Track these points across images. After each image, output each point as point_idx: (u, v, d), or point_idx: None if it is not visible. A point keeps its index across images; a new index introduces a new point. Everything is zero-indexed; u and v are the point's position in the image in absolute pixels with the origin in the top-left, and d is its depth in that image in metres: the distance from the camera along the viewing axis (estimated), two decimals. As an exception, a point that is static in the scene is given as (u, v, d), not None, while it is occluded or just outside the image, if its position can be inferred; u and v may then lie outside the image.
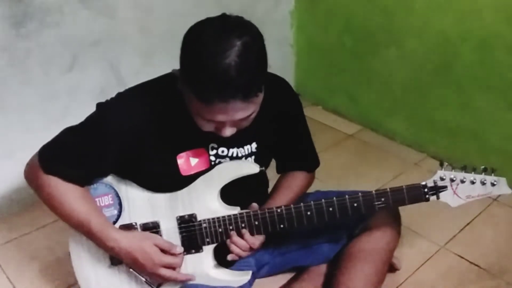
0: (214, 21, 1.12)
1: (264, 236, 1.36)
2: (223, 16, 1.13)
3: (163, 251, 1.29)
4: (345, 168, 2.22)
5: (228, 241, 1.33)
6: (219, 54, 1.06)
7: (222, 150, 1.33)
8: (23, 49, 1.80)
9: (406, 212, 1.55)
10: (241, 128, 1.20)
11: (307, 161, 1.54)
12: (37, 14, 1.79)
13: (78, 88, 1.98)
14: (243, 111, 1.13)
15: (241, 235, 1.33)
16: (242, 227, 1.32)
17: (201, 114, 1.15)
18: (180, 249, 1.32)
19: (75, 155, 1.26)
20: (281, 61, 2.63)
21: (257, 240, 1.34)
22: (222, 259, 1.37)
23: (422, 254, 1.75)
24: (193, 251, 1.35)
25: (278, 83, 1.40)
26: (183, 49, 1.13)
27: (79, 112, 1.31)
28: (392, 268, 1.61)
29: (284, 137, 1.44)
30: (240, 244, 1.32)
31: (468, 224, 1.88)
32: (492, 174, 1.30)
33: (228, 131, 1.18)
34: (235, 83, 1.07)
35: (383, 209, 1.34)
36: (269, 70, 1.18)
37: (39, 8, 1.79)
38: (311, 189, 1.58)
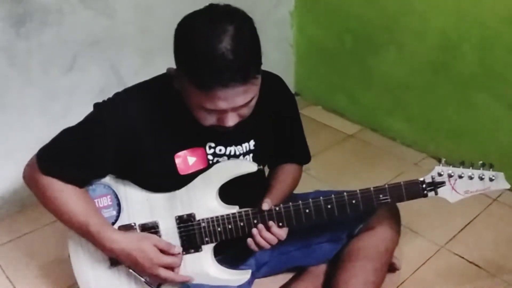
0: (203, 11, 1.13)
1: (287, 228, 1.34)
2: (211, 6, 1.14)
3: (162, 251, 1.29)
4: (345, 168, 2.22)
5: (254, 231, 1.30)
6: (213, 40, 1.07)
7: (220, 149, 1.33)
8: (23, 49, 1.81)
9: (406, 211, 1.55)
10: (242, 118, 1.20)
11: (299, 155, 1.55)
12: (37, 14, 1.79)
13: (78, 88, 1.99)
14: (244, 95, 1.13)
15: (267, 228, 1.31)
16: (242, 226, 1.32)
17: (203, 105, 1.14)
18: (178, 249, 1.31)
19: (73, 155, 1.26)
20: (281, 61, 2.63)
21: (284, 232, 1.33)
22: (221, 258, 1.37)
23: (422, 254, 1.75)
24: (192, 250, 1.34)
25: (274, 81, 1.41)
26: (177, 43, 1.14)
27: (79, 112, 1.31)
28: (392, 268, 1.60)
29: (279, 133, 1.44)
30: (269, 238, 1.31)
31: (468, 224, 1.88)
32: (490, 169, 1.29)
33: (231, 120, 1.17)
34: (233, 65, 1.07)
35: (381, 206, 1.33)
36: (269, 69, 1.18)
37: (39, 8, 1.79)
38: (310, 189, 1.58)
